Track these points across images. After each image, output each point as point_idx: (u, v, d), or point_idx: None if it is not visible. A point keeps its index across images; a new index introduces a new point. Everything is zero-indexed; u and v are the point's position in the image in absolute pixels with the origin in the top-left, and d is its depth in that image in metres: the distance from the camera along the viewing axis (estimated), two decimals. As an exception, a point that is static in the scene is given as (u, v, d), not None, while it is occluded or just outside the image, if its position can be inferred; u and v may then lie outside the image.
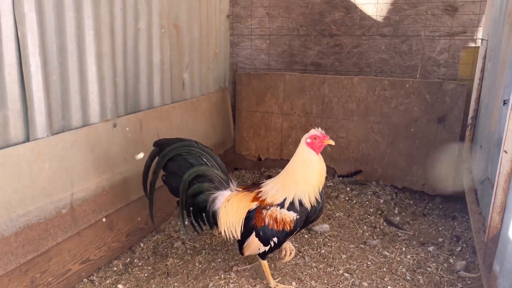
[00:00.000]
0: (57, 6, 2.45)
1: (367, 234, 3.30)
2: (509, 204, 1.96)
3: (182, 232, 3.19)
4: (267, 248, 2.51)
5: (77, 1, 2.57)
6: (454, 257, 2.93)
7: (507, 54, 2.60)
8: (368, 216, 3.58)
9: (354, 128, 4.25)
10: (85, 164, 2.73)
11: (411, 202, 3.95)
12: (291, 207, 2.40)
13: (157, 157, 2.67)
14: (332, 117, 4.34)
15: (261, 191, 2.54)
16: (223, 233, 2.58)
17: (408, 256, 2.95)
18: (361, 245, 3.10)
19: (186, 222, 2.72)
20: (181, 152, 2.63)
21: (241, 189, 2.64)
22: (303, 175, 2.41)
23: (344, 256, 2.96)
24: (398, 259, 2.92)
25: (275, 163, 4.74)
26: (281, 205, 2.42)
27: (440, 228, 3.41)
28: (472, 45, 4.40)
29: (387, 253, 2.98)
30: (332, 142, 2.45)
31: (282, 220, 2.42)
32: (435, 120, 3.90)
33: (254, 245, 2.51)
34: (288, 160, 4.65)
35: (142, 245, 3.27)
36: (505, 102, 2.52)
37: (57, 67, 2.51)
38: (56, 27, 2.46)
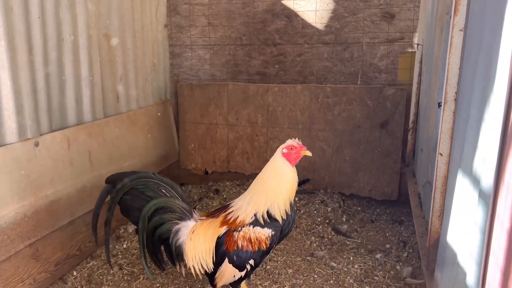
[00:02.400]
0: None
1: (314, 245, 3.21)
2: (448, 208, 1.92)
3: (145, 272, 2.87)
4: (243, 273, 2.25)
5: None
6: (400, 263, 2.89)
7: (439, 57, 2.62)
8: (316, 226, 3.50)
9: (300, 136, 4.18)
10: (1, 189, 2.45)
11: (359, 208, 3.92)
12: (265, 223, 2.19)
13: (109, 195, 2.40)
14: (277, 126, 4.26)
15: (229, 213, 2.31)
16: (192, 269, 2.30)
17: (356, 266, 2.88)
18: (308, 257, 3.00)
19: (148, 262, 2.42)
20: (137, 186, 2.37)
21: (205, 217, 2.40)
22: (275, 186, 2.20)
23: (290, 270, 2.84)
24: (346, 269, 2.84)
25: (222, 176, 4.59)
26: (253, 223, 2.19)
27: (388, 234, 3.39)
28: (410, 50, 4.49)
29: (334, 264, 2.89)
30: (309, 153, 2.27)
31: (257, 239, 2.19)
32: (378, 125, 3.91)
33: (228, 273, 2.25)
34: (236, 172, 4.56)
35: (75, 273, 2.99)
36: (439, 105, 2.52)
37: (-39, 81, 2.24)
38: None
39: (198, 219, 2.39)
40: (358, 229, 3.50)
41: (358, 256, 3.04)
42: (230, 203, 2.41)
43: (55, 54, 2.91)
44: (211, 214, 2.40)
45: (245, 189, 4.33)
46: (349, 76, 4.78)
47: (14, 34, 2.52)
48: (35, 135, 2.71)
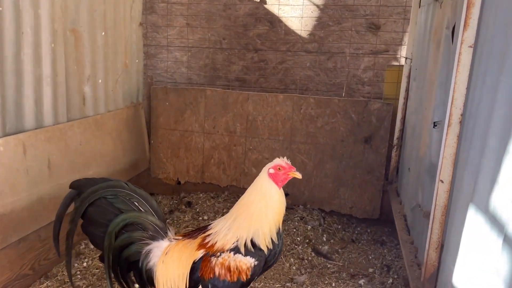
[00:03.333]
0: None
1: (294, 268, 2.98)
2: (453, 244, 1.73)
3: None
4: None
5: None
6: (386, 291, 2.71)
7: (435, 74, 2.46)
8: (296, 246, 3.28)
9: (280, 148, 3.97)
10: None
11: (339, 227, 3.73)
12: (247, 251, 1.92)
13: (74, 202, 2.06)
14: (256, 137, 4.02)
15: (208, 235, 2.03)
16: None
17: (339, 294, 2.67)
18: (288, 284, 2.76)
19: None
20: (105, 195, 2.03)
21: (181, 237, 2.10)
22: (260, 210, 1.94)
23: (268, 299, 2.60)
24: (328, 298, 2.63)
25: (196, 187, 4.30)
26: (235, 250, 1.93)
27: (370, 257, 3.20)
28: (395, 63, 4.37)
29: (316, 292, 2.67)
30: (299, 176, 2.00)
31: (236, 269, 1.92)
32: (362, 140, 3.74)
33: None
34: (210, 184, 4.28)
35: (26, 296, 2.65)
36: (435, 124, 2.36)
37: None
38: None
39: (173, 239, 2.08)
40: (339, 250, 3.31)
41: (340, 281, 2.83)
42: (209, 224, 2.13)
43: (12, 50, 2.58)
44: (188, 235, 2.11)
45: (219, 202, 4.10)
46: (332, 86, 4.61)
47: (-37, 23, 2.19)
48: (-16, 139, 2.38)
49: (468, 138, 1.67)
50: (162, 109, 4.19)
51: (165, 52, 4.94)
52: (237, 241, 1.94)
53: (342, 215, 3.88)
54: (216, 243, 1.98)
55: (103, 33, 3.41)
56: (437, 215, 1.90)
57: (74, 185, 2.08)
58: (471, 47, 1.73)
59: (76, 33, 3.11)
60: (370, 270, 3.01)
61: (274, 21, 4.62)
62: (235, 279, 1.93)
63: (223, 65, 4.85)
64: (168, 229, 2.11)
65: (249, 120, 4.03)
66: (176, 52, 4.93)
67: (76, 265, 2.99)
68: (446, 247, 1.81)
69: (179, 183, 4.34)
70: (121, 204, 2.04)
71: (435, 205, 1.90)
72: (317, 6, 4.49)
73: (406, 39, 4.19)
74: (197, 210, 3.92)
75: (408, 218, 2.97)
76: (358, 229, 3.74)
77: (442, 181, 1.87)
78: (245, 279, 1.93)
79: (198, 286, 1.96)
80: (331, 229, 3.66)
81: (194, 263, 1.96)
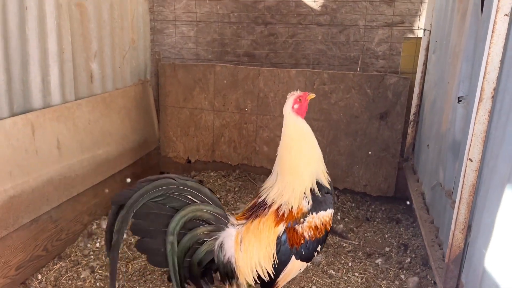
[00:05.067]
0: None
1: (309, 247, 2.93)
2: (483, 226, 1.64)
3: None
4: (309, 263, 2.04)
5: None
6: (404, 271, 2.65)
7: (460, 46, 2.33)
8: (310, 225, 3.22)
9: (292, 125, 3.86)
10: None
11: (353, 205, 3.66)
12: (324, 203, 1.95)
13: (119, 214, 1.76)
14: (268, 114, 3.92)
15: (279, 207, 1.94)
16: (244, 283, 1.93)
17: (356, 274, 2.62)
18: (304, 263, 2.72)
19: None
20: (154, 198, 1.77)
21: (244, 219, 1.99)
22: (307, 150, 1.96)
23: (285, 278, 2.56)
24: (345, 278, 2.58)
25: (207, 166, 4.24)
26: (314, 209, 1.93)
27: (386, 236, 3.14)
28: (411, 35, 4.20)
29: (333, 272, 2.62)
30: (313, 95, 2.14)
31: (322, 224, 1.96)
32: (377, 116, 3.63)
33: (295, 269, 1.97)
34: (221, 162, 4.21)
35: (40, 277, 2.63)
36: (460, 99, 2.24)
37: None
38: None
39: (237, 224, 1.97)
40: (355, 228, 3.25)
41: (356, 261, 2.78)
42: (262, 194, 2.04)
43: (17, 25, 2.47)
44: (251, 215, 2.00)
45: (231, 181, 4.03)
46: (344, 61, 4.46)
47: (-37, -3, 2.07)
48: (-9, 120, 2.30)
49: (505, 114, 1.56)
50: (171, 86, 4.08)
51: (172, 27, 4.79)
52: (306, 197, 1.94)
53: (356, 193, 3.81)
54: (291, 209, 1.94)
55: (109, 7, 3.27)
56: (464, 195, 1.81)
57: (115, 200, 1.78)
58: (507, 15, 1.60)
59: (81, 7, 2.99)
60: (387, 249, 2.96)
61: (284, -8, 4.45)
62: (323, 233, 1.98)
63: (231, 40, 4.71)
64: (227, 214, 1.97)
65: (260, 97, 3.92)
66: (183, 27, 4.79)
67: (88, 245, 2.96)
68: (476, 230, 1.73)
69: (189, 161, 4.27)
70: (174, 202, 1.82)
71: (462, 185, 1.81)
72: (330, -25, 4.30)
73: (423, 10, 4.02)
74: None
75: (427, 196, 2.89)
76: (373, 207, 3.67)
77: (470, 160, 1.77)
78: (329, 228, 2.01)
79: (290, 257, 1.93)
80: (345, 207, 3.60)
81: (278, 238, 1.92)
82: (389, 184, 3.71)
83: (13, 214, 2.45)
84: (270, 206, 1.98)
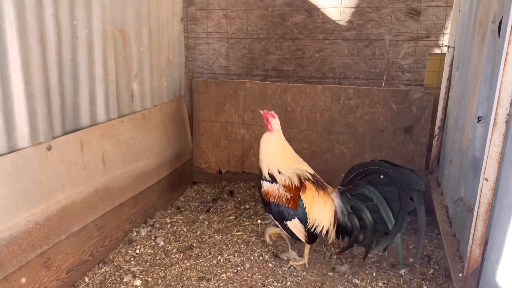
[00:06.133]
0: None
1: (335, 257, 3.08)
2: (497, 242, 1.76)
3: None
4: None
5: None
6: (427, 282, 2.76)
7: (479, 67, 2.44)
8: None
9: (318, 138, 4.03)
10: (12, 197, 2.33)
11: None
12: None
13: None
14: (295, 127, 4.10)
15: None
16: None
17: (380, 283, 2.75)
18: (330, 273, 2.87)
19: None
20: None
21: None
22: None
23: None
24: (369, 287, 2.71)
25: (236, 176, 4.45)
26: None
27: (410, 247, 3.25)
28: (437, 50, 4.29)
29: (357, 281, 2.76)
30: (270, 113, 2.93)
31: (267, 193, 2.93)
32: (402, 130, 3.74)
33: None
34: (250, 173, 4.42)
35: (87, 280, 2.89)
36: (479, 119, 2.35)
37: (-30, 85, 2.10)
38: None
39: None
40: (379, 239, 3.36)
41: (381, 271, 2.90)
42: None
43: (69, 53, 2.76)
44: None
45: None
46: (370, 74, 4.59)
47: (27, 34, 2.36)
48: (48, 138, 2.58)
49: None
50: (203, 102, 4.33)
51: (204, 44, 5.05)
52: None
53: (381, 204, 3.90)
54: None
55: (148, 32, 3.55)
56: (481, 212, 1.93)
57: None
58: (519, 47, 1.73)
59: (124, 34, 3.26)
60: (411, 260, 3.07)
61: (311, 9, 4.62)
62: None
63: (260, 55, 4.92)
64: None
65: (287, 111, 4.10)
66: (214, 43, 5.04)
67: (129, 251, 3.21)
68: (490, 245, 1.85)
69: (220, 172, 4.49)
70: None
71: (479, 202, 1.93)
72: (356, -8, 4.45)
73: (448, 25, 4.10)
74: (239, 199, 4.07)
75: (449, 210, 2.98)
76: (398, 218, 3.76)
77: (486, 179, 1.89)
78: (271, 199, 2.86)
79: None
80: (371, 218, 3.71)
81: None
82: (414, 196, 3.80)
83: (65, 223, 2.73)
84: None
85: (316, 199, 2.74)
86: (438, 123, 3.69)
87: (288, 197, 2.76)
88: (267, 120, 2.88)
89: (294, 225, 2.78)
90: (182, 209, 3.93)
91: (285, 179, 2.80)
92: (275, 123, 2.89)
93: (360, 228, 2.66)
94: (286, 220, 2.79)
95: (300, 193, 2.76)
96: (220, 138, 4.37)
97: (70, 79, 2.80)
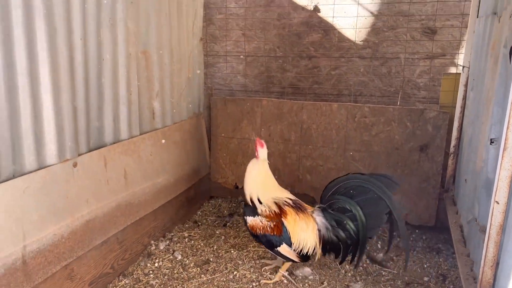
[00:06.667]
0: (5, 40, 2.20)
1: (349, 274, 3.12)
2: (505, 264, 1.80)
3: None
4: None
5: (29, 32, 2.32)
6: (441, 301, 2.77)
7: (492, 90, 2.48)
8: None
9: (334, 155, 4.09)
10: (40, 211, 2.46)
11: (394, 233, 3.78)
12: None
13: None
14: (311, 144, 4.17)
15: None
16: None
17: (394, 302, 2.78)
18: (344, 290, 2.91)
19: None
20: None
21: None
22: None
23: (326, 304, 2.76)
24: (383, 305, 2.74)
25: (252, 191, 4.52)
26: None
27: (426, 265, 3.26)
28: (453, 68, 4.32)
29: (371, 299, 2.79)
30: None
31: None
32: (417, 148, 3.77)
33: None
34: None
35: (107, 292, 3.00)
36: (492, 141, 2.39)
37: (6, 106, 2.25)
38: (4, 62, 2.20)
39: None
40: (394, 257, 3.39)
41: (395, 289, 2.93)
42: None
43: (95, 74, 2.91)
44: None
45: (276, 207, 4.29)
46: (386, 91, 4.64)
47: (58, 56, 2.51)
48: (74, 155, 2.72)
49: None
50: (221, 118, 4.44)
51: (223, 61, 5.20)
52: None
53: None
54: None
55: (169, 52, 3.69)
56: (492, 234, 1.96)
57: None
58: (527, 74, 1.78)
59: (146, 54, 3.41)
60: (425, 278, 3.08)
61: (327, 28, 4.72)
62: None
63: (277, 72, 5.03)
64: None
65: (303, 128, 4.18)
66: (233, 61, 5.18)
67: (148, 265, 3.30)
68: (501, 267, 1.88)
69: (236, 187, 4.58)
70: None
71: (490, 224, 1.96)
72: (371, 12, 4.53)
73: (463, 44, 4.13)
74: (255, 214, 4.14)
75: (464, 229, 2.99)
76: (413, 236, 3.78)
77: (497, 202, 1.93)
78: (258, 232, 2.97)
79: None
80: (386, 236, 3.73)
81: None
82: (429, 214, 3.82)
83: (88, 236, 2.84)
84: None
85: (298, 222, 2.86)
86: (453, 141, 3.71)
87: (272, 225, 2.87)
88: (256, 147, 3.03)
89: (284, 249, 2.90)
90: (200, 223, 4.03)
91: (265, 209, 2.92)
92: (262, 152, 3.02)
93: (347, 238, 2.79)
94: (276, 247, 2.91)
95: (282, 219, 2.88)
96: (237, 154, 4.46)
97: (96, 98, 2.95)
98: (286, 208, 2.91)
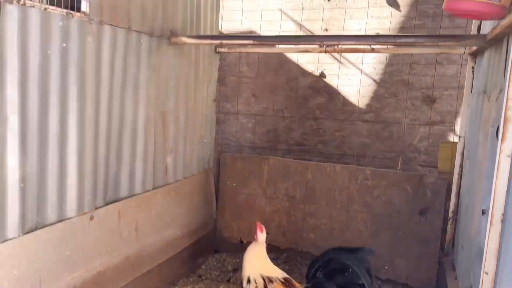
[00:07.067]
0: (41, 107, 2.46)
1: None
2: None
3: None
4: None
5: (62, 98, 2.59)
6: None
7: (484, 164, 2.67)
8: (351, 314, 3.45)
9: (337, 215, 4.23)
10: (57, 262, 2.62)
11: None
12: None
13: None
14: (315, 203, 4.33)
15: None
16: None
17: None
18: None
19: None
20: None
21: None
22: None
23: None
24: None
25: (257, 247, 4.62)
26: None
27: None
28: (451, 135, 4.54)
29: None
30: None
31: None
32: (417, 212, 3.91)
33: None
34: (270, 245, 4.57)
35: None
36: (483, 212, 2.54)
37: (36, 163, 2.48)
38: (39, 126, 2.46)
39: None
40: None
41: None
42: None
43: (117, 134, 3.16)
44: None
45: (279, 264, 4.37)
46: (388, 153, 4.84)
47: (85, 119, 2.78)
48: (91, 209, 2.91)
49: (507, 234, 1.88)
50: (230, 174, 4.65)
51: (233, 119, 5.49)
52: None
53: (398, 283, 3.99)
54: None
55: (184, 112, 3.97)
56: (483, 304, 2.08)
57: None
58: (509, 156, 1.98)
59: (164, 115, 3.68)
60: None
61: (332, 93, 5.02)
62: None
63: (284, 131, 5.29)
64: None
65: (308, 187, 4.36)
66: (243, 119, 5.46)
67: (152, 318, 3.37)
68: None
69: (241, 242, 4.69)
70: None
71: (481, 295, 2.08)
72: (374, 80, 4.84)
73: (461, 113, 4.38)
74: (258, 270, 4.22)
75: (462, 296, 3.07)
76: (414, 299, 3.83)
77: (486, 273, 2.06)
78: None
79: None
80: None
81: None
82: (430, 278, 3.88)
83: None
84: None
85: None
86: (452, 207, 3.85)
87: None
88: (256, 231, 3.24)
89: None
90: (204, 278, 4.11)
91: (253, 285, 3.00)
92: (261, 236, 3.22)
93: None
94: None
95: None
96: (243, 209, 4.62)
97: (115, 155, 3.18)
98: (275, 284, 2.96)
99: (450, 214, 3.89)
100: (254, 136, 5.41)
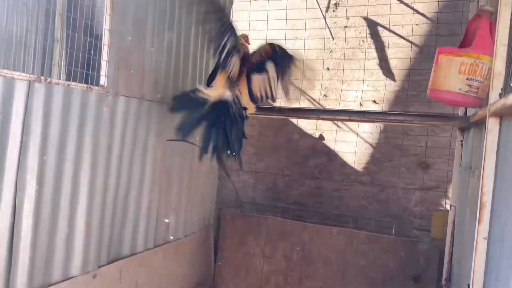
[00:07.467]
0: (56, 174, 2.67)
1: None
2: None
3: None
4: None
5: (76, 166, 2.80)
6: None
7: (469, 242, 2.81)
8: None
9: (333, 277, 4.30)
10: (58, 321, 2.72)
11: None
12: None
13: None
14: (312, 265, 4.41)
15: None
16: None
17: None
18: None
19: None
20: None
21: None
22: None
23: None
24: None
25: (253, 307, 4.66)
26: None
27: None
28: (444, 200, 4.68)
29: None
30: None
31: None
32: (411, 278, 3.99)
33: None
34: (266, 306, 4.65)
35: None
36: (468, 286, 2.66)
37: (48, 226, 2.65)
38: (53, 192, 2.65)
39: None
40: None
41: None
42: None
43: (123, 193, 3.34)
44: None
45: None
46: (384, 216, 4.96)
47: (95, 181, 2.97)
48: (95, 268, 3.04)
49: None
50: (229, 232, 4.77)
51: (235, 176, 5.67)
52: None
53: None
54: None
55: (188, 171, 4.17)
56: None
57: None
58: (485, 239, 2.14)
59: (168, 175, 3.88)
60: None
61: (330, 154, 5.23)
62: None
63: (283, 189, 5.45)
64: None
65: (305, 249, 4.46)
66: (244, 176, 5.65)
67: None
68: None
69: (238, 300, 4.73)
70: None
71: None
72: (370, 144, 5.07)
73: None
74: (254, 331, 4.24)
75: None
76: None
77: None
78: None
79: None
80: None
81: None
82: None
83: None
84: None
85: None
86: (444, 274, 3.92)
87: None
88: None
89: None
90: (199, 337, 4.13)
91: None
92: None
93: None
94: None
95: None
96: (240, 268, 4.70)
97: (121, 214, 3.35)
98: None
99: (443, 282, 3.96)
100: (254, 193, 5.56)
